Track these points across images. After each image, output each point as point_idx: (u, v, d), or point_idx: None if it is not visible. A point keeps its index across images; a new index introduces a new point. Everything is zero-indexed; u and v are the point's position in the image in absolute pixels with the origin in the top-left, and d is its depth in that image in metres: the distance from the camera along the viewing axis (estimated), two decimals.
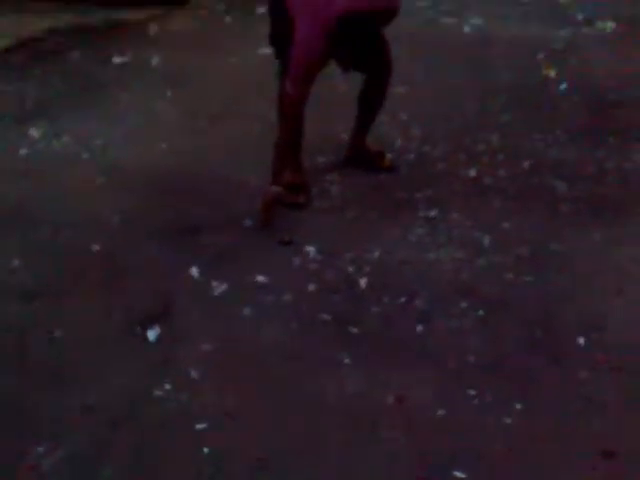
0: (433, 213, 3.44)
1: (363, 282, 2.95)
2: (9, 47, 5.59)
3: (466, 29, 6.20)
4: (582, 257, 3.16)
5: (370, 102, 3.80)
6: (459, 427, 2.30)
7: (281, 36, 3.51)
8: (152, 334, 2.65)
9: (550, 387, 2.46)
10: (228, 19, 6.49)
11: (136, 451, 2.19)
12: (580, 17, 6.51)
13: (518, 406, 2.37)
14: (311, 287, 2.93)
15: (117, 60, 5.35)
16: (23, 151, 3.98)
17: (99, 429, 2.26)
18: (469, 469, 2.14)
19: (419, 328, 2.71)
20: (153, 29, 6.09)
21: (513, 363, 2.56)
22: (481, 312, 2.80)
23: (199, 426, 2.27)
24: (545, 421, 2.32)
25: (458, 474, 2.12)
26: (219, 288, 2.91)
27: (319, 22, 3.20)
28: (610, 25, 6.31)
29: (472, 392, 2.42)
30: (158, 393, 2.40)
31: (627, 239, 3.29)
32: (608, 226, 3.38)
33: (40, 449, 2.18)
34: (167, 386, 2.42)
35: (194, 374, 2.48)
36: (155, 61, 5.35)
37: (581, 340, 2.66)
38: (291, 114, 3.46)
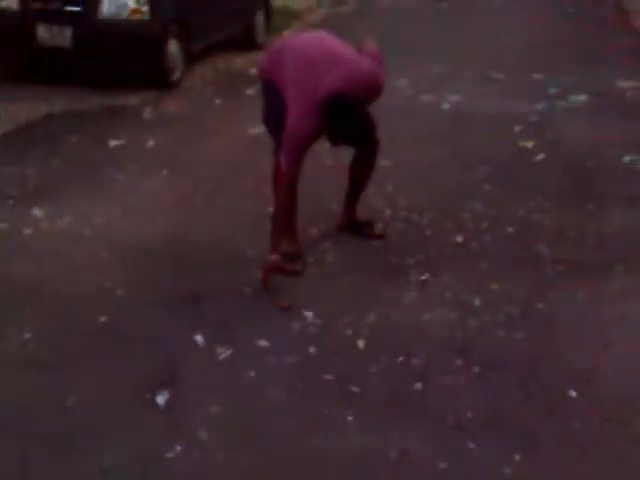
0: (425, 277, 3.61)
1: (361, 343, 3.08)
2: (8, 132, 5.80)
3: (445, 106, 6.52)
4: (568, 315, 3.32)
5: (359, 175, 4.00)
6: (461, 478, 2.40)
7: (274, 116, 3.74)
8: (161, 399, 2.75)
9: (546, 438, 2.58)
10: (218, 101, 6.77)
11: None
12: (553, 91, 6.87)
13: (517, 457, 2.48)
14: (312, 350, 3.05)
15: (113, 143, 5.56)
16: (28, 230, 4.12)
17: None
18: None
19: (417, 386, 2.83)
20: (147, 113, 6.34)
21: (509, 417, 2.68)
22: (476, 369, 2.93)
23: None
24: (543, 470, 2.43)
25: None
26: (223, 353, 3.03)
27: (310, 102, 3.43)
28: (582, 98, 6.67)
29: (472, 445, 2.53)
30: (170, 455, 2.49)
31: (609, 297, 3.47)
32: (591, 286, 3.55)
33: None
34: (178, 448, 2.51)
35: (203, 435, 2.58)
36: (150, 143, 5.56)
37: (573, 393, 2.79)
38: (285, 188, 3.65)
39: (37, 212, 4.35)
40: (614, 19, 10.72)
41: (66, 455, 2.50)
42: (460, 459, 2.47)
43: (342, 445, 2.53)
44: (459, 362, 2.97)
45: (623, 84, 7.06)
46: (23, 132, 5.82)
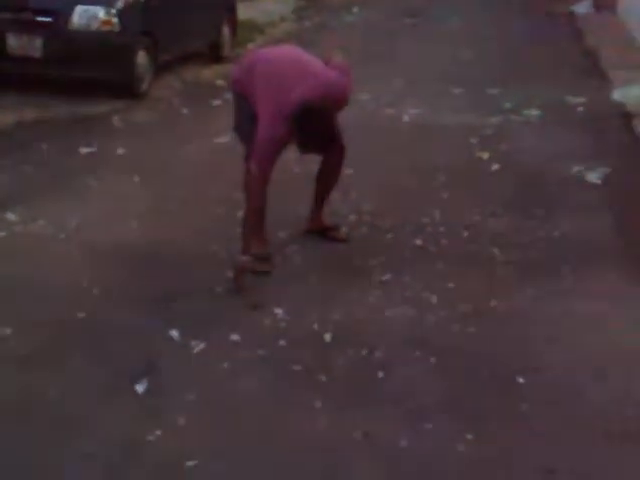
0: (386, 277, 3.84)
1: (328, 337, 3.30)
2: None
3: (405, 118, 6.79)
4: (518, 311, 3.59)
5: (326, 181, 4.23)
6: (419, 455, 2.63)
7: (244, 124, 3.95)
8: (140, 387, 2.93)
9: (496, 419, 2.82)
10: (185, 111, 6.95)
11: None
12: (508, 106, 7.19)
13: (469, 436, 2.72)
14: (281, 343, 3.26)
15: (84, 150, 5.71)
16: (1, 233, 4.26)
17: (100, 473, 2.51)
18: None
19: (380, 375, 3.06)
20: (116, 121, 6.49)
21: (463, 401, 2.92)
22: (433, 360, 3.17)
23: (189, 463, 2.54)
24: (492, 447, 2.67)
25: None
26: (198, 347, 3.22)
27: (280, 111, 3.65)
28: (535, 112, 7.00)
29: (428, 426, 2.77)
30: (150, 438, 2.67)
31: (557, 296, 3.74)
32: (540, 285, 3.82)
33: None
34: (158, 432, 2.69)
35: (181, 421, 2.76)
36: (121, 150, 5.72)
37: (521, 380, 3.05)
38: (255, 192, 3.86)
39: (11, 216, 4.48)
40: (568, 39, 11.15)
41: (49, 443, 2.66)
42: (418, 438, 2.70)
43: (310, 427, 2.74)
44: (417, 354, 3.20)
45: (573, 100, 7.41)
46: None
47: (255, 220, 3.90)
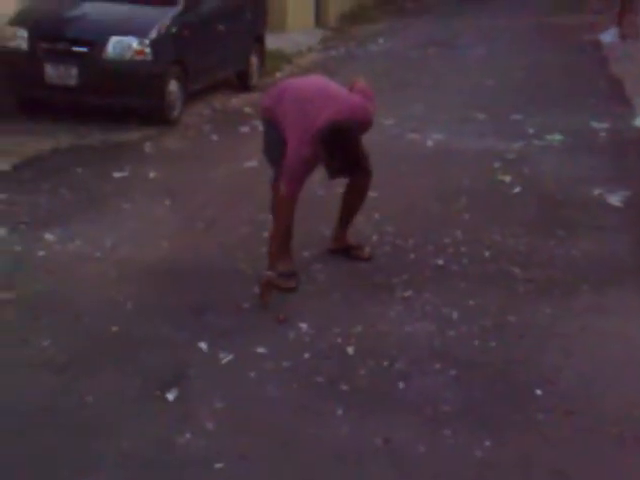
0: (408, 293, 3.96)
1: (351, 350, 3.42)
2: (18, 164, 6.15)
3: (429, 143, 6.94)
4: (536, 327, 3.68)
5: (351, 202, 4.38)
6: (438, 460, 2.73)
7: (273, 149, 4.13)
8: (171, 395, 3.07)
9: (513, 428, 2.92)
10: (214, 137, 7.17)
11: None
12: (531, 131, 7.31)
13: (487, 443, 2.81)
14: (306, 355, 3.39)
15: (117, 175, 5.93)
16: (41, 252, 4.45)
17: (135, 470, 2.65)
18: None
19: (400, 385, 3.17)
20: (148, 147, 6.72)
21: (481, 410, 3.02)
22: (453, 372, 3.27)
23: (217, 465, 2.67)
24: (509, 453, 2.77)
25: None
26: (226, 358, 3.35)
27: (308, 134, 3.81)
28: (558, 137, 7.11)
29: (447, 433, 2.87)
30: (180, 441, 2.80)
31: (574, 313, 3.83)
32: (557, 302, 3.92)
33: None
34: (188, 435, 2.83)
35: (210, 426, 2.90)
36: (152, 175, 5.93)
37: (539, 391, 3.14)
38: (283, 212, 4.01)
39: (49, 236, 4.68)
40: (593, 67, 11.27)
41: (88, 443, 2.81)
42: (437, 445, 2.80)
43: (332, 434, 2.86)
44: (438, 366, 3.31)
45: (597, 125, 7.51)
46: (32, 164, 6.17)
47: (282, 239, 4.05)
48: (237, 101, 8.73)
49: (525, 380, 3.22)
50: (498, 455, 2.75)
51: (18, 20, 7.32)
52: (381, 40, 13.62)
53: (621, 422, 2.94)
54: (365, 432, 2.87)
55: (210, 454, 2.73)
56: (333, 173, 3.92)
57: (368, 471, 2.67)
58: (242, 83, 9.20)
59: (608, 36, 13.73)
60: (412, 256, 4.47)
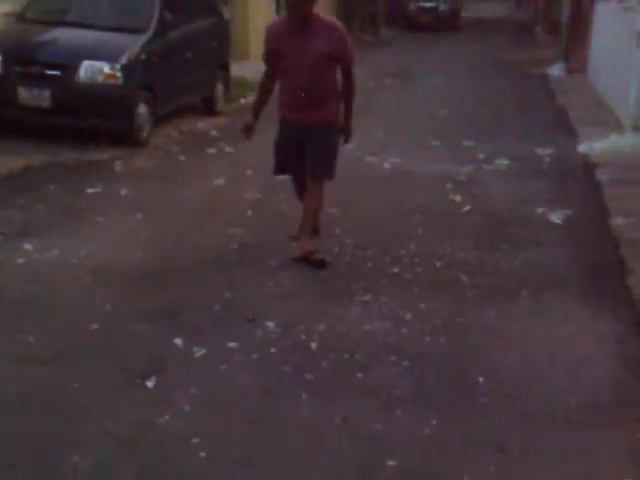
0: (366, 298, 4.32)
1: (314, 345, 3.76)
2: None
3: (386, 166, 7.37)
4: (481, 327, 4.06)
5: (307, 209, 4.91)
6: (391, 436, 3.07)
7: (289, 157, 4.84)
8: (150, 383, 3.37)
9: (458, 410, 3.28)
10: (182, 158, 7.49)
11: (150, 457, 2.87)
12: (481, 156, 7.80)
13: (434, 421, 3.17)
14: (273, 350, 3.71)
15: (90, 191, 6.20)
16: (20, 260, 4.71)
17: (116, 446, 2.94)
18: (400, 460, 2.90)
19: (359, 375, 3.52)
20: (118, 166, 7.01)
21: (430, 395, 3.38)
22: (406, 363, 3.63)
23: (194, 440, 2.98)
24: (454, 431, 3.12)
25: (391, 463, 2.88)
26: (199, 352, 3.66)
27: None
28: (505, 162, 7.60)
29: (400, 413, 3.22)
30: (160, 421, 3.10)
31: (515, 315, 4.23)
32: (500, 306, 4.31)
33: (76, 458, 2.84)
34: (166, 417, 3.13)
35: (186, 409, 3.20)
36: (124, 192, 6.22)
37: (481, 379, 3.51)
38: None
39: (27, 246, 4.94)
40: (541, 98, 11.90)
41: (74, 425, 3.08)
42: (391, 423, 3.15)
43: (297, 414, 3.19)
44: (392, 358, 3.67)
45: (541, 151, 8.04)
46: (5, 181, 6.42)
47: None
48: (203, 125, 9.08)
49: (470, 370, 3.59)
50: (445, 432, 3.10)
51: None
52: None
53: (553, 405, 3.32)
54: (326, 412, 3.20)
55: (187, 432, 3.03)
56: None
57: (329, 445, 3.00)
58: (208, 108, 9.56)
59: (555, 70, 14.47)
60: (370, 265, 4.84)
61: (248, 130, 4.96)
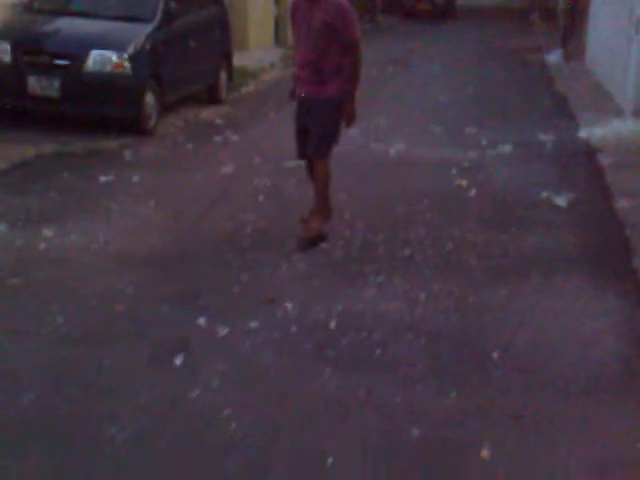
0: (380, 279, 4.45)
1: (333, 324, 3.89)
2: (5, 169, 6.49)
3: (392, 152, 7.48)
4: (493, 306, 4.20)
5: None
6: (413, 407, 3.21)
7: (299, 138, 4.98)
8: (178, 360, 3.50)
9: (474, 382, 3.42)
10: (190, 146, 7.60)
11: (184, 428, 3.01)
12: (484, 142, 7.92)
13: (453, 394, 3.30)
14: (293, 328, 3.84)
15: (103, 178, 6.31)
16: (42, 245, 4.83)
17: (151, 419, 3.07)
18: (423, 429, 3.04)
19: (378, 351, 3.65)
20: (128, 155, 7.11)
21: (447, 371, 3.52)
22: (422, 340, 3.77)
23: (225, 412, 3.11)
24: (472, 401, 3.26)
25: (415, 431, 3.02)
26: (223, 331, 3.79)
27: None
28: (508, 148, 7.72)
29: (419, 387, 3.36)
30: (191, 395, 3.23)
31: (525, 293, 4.36)
32: (511, 286, 4.45)
33: (112, 430, 2.97)
34: (197, 391, 3.26)
35: (214, 384, 3.33)
36: (135, 178, 6.33)
37: (495, 355, 3.65)
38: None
39: (47, 232, 5.05)
40: (540, 85, 12.01)
41: (107, 400, 3.21)
42: (411, 396, 3.28)
43: (321, 388, 3.32)
44: (409, 336, 3.80)
45: (543, 137, 8.16)
46: (19, 169, 6.52)
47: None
48: (208, 113, 9.17)
49: (483, 347, 3.72)
50: (463, 403, 3.24)
51: (1, 33, 7.66)
52: None
53: (565, 378, 3.46)
54: (350, 387, 3.33)
55: (217, 405, 3.16)
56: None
57: (354, 415, 3.13)
58: (212, 97, 9.65)
59: (553, 57, 14.58)
60: (381, 248, 4.96)
61: (293, 93, 5.11)
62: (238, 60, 11.14)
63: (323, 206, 5.06)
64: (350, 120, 5.02)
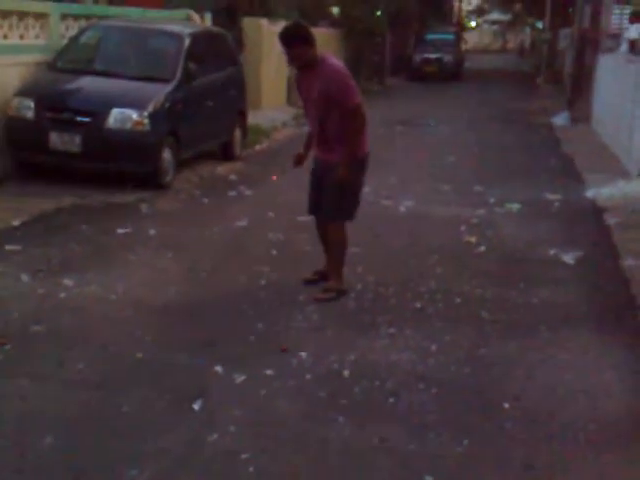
0: (392, 330, 4.56)
1: (346, 373, 3.99)
2: (26, 221, 6.67)
3: (401, 209, 7.66)
4: (503, 358, 4.29)
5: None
6: (427, 454, 3.29)
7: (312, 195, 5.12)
8: (197, 405, 3.59)
9: (486, 431, 3.49)
10: (205, 200, 7.80)
11: (204, 470, 3.09)
12: (492, 200, 8.09)
13: (465, 442, 3.38)
14: (308, 377, 3.94)
15: (120, 231, 6.48)
16: (62, 295, 4.96)
17: (171, 461, 3.16)
18: (436, 475, 3.11)
19: (391, 400, 3.74)
20: (145, 208, 7.30)
21: (460, 420, 3.59)
22: (434, 390, 3.85)
23: (244, 456, 3.19)
24: (484, 450, 3.34)
25: (429, 478, 3.09)
26: (239, 379, 3.89)
27: None
28: (516, 206, 7.88)
29: (432, 435, 3.43)
30: (210, 439, 3.32)
31: (534, 347, 4.45)
32: (520, 339, 4.54)
33: (134, 471, 3.06)
34: (215, 435, 3.35)
35: (232, 429, 3.42)
36: (152, 232, 6.50)
37: (506, 405, 3.73)
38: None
39: (67, 281, 5.20)
40: (547, 146, 12.26)
41: (128, 443, 3.30)
42: (424, 443, 3.36)
43: (336, 435, 3.41)
44: (421, 386, 3.89)
45: (551, 196, 8.33)
46: (39, 221, 6.70)
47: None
48: (222, 169, 9.41)
49: (494, 397, 3.81)
50: (476, 452, 3.32)
51: (24, 91, 7.96)
52: None
53: (575, 429, 3.54)
54: (364, 434, 3.42)
55: (236, 449, 3.25)
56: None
57: (369, 462, 3.21)
58: (226, 153, 9.91)
59: (560, 119, 14.89)
60: (393, 301, 5.08)
61: (299, 159, 5.22)
62: (252, 119, 11.45)
63: (339, 267, 5.16)
64: (341, 182, 4.92)
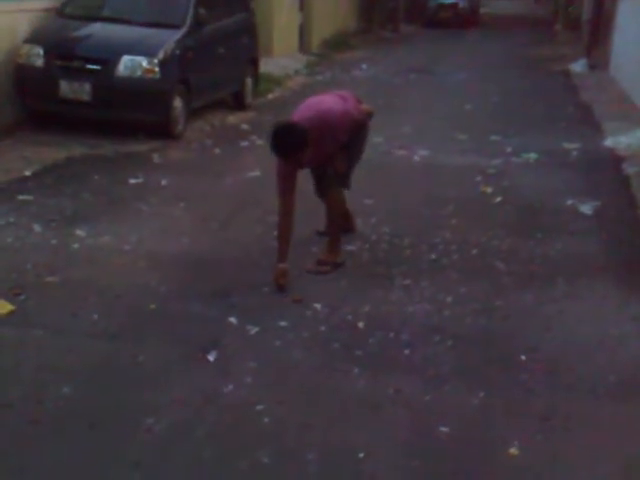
0: (407, 282, 4.51)
1: (361, 324, 3.96)
2: (37, 171, 6.63)
3: (416, 158, 7.55)
4: (520, 310, 4.25)
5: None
6: (442, 406, 3.27)
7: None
8: (212, 356, 3.58)
9: (502, 384, 3.47)
10: (217, 150, 7.71)
11: (219, 420, 3.09)
12: (509, 150, 7.96)
13: (481, 394, 3.36)
14: (322, 328, 3.92)
15: (132, 181, 6.43)
16: (75, 245, 4.94)
17: (187, 411, 3.16)
18: (452, 427, 3.10)
19: (406, 352, 3.71)
20: (156, 158, 7.23)
21: (475, 372, 3.57)
22: (450, 342, 3.82)
23: (258, 407, 3.19)
24: (500, 401, 3.32)
25: (444, 429, 3.08)
26: (253, 330, 3.87)
27: None
28: (533, 156, 7.75)
29: (447, 387, 3.41)
30: (225, 390, 3.31)
31: (551, 299, 4.40)
32: (537, 291, 4.49)
33: (150, 420, 3.06)
34: (230, 387, 3.34)
35: (248, 380, 3.41)
36: (164, 182, 6.44)
37: (523, 357, 3.70)
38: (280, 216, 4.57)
39: (80, 232, 5.17)
40: (564, 94, 12.03)
41: (143, 394, 3.30)
42: (439, 395, 3.35)
43: (351, 386, 3.39)
44: (437, 337, 3.86)
45: (568, 145, 8.18)
46: (51, 171, 6.65)
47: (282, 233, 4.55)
48: (234, 119, 9.29)
49: (511, 349, 3.78)
50: (491, 403, 3.30)
51: (33, 38, 7.83)
52: (364, 66, 14.32)
53: (593, 381, 3.51)
54: (378, 385, 3.40)
55: (251, 400, 3.24)
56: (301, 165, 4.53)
57: (384, 412, 3.20)
58: (237, 102, 9.77)
59: (578, 66, 14.57)
60: (408, 252, 5.03)
61: (283, 275, 4.40)
62: (263, 67, 11.26)
63: (335, 240, 4.83)
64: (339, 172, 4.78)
